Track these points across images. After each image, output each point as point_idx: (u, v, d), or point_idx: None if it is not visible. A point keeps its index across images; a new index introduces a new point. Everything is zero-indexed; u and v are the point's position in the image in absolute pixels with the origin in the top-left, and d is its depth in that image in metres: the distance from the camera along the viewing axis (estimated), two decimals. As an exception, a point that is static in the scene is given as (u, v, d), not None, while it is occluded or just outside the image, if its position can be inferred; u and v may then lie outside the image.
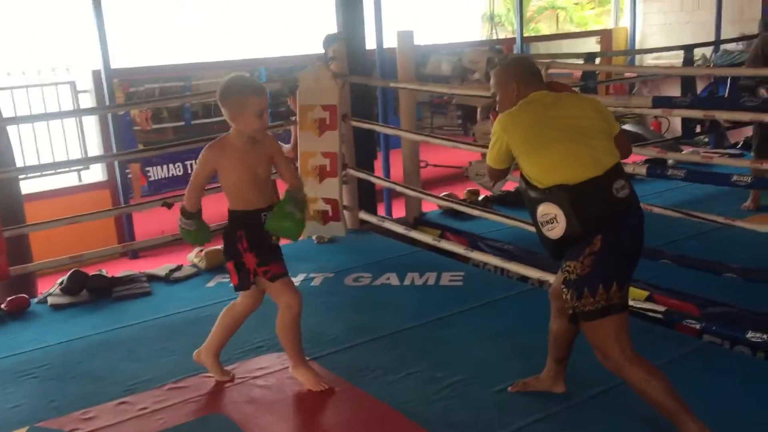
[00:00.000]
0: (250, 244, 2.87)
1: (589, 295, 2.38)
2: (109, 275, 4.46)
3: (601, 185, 2.39)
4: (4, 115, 4.88)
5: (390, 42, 6.54)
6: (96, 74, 6.62)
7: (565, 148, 2.46)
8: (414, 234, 4.86)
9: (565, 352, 2.82)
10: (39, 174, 6.64)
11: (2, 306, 4.10)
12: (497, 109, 2.73)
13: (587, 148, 2.44)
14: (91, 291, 4.26)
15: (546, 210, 2.42)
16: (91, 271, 4.46)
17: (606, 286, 2.37)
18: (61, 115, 6.61)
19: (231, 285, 3.01)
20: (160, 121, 10.12)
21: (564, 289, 2.49)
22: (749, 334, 2.70)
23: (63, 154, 6.74)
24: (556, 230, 2.41)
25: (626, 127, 9.94)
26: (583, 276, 2.40)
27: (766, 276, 3.36)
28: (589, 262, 2.38)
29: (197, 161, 2.90)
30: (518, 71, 2.68)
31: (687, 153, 6.38)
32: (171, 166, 8.31)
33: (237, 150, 2.83)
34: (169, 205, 4.34)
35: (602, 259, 2.38)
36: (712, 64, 8.60)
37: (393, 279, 4.36)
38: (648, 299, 3.76)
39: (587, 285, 2.39)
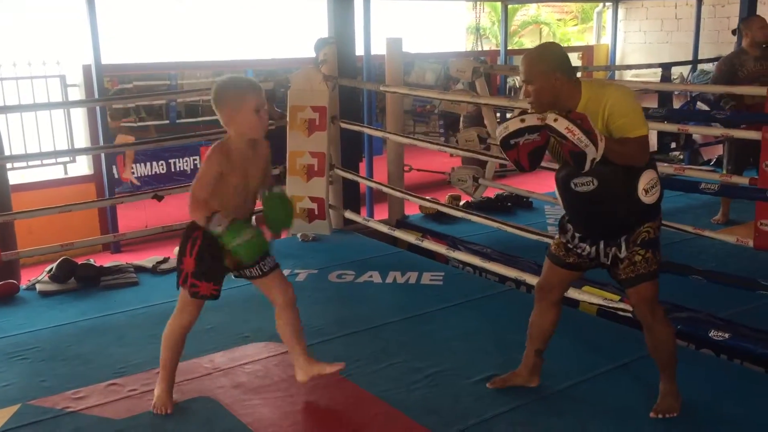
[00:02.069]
0: (199, 251, 2.70)
1: (659, 253, 2.63)
2: (98, 265, 4.54)
3: None
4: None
5: (376, 49, 6.71)
6: (86, 68, 6.71)
7: None
8: (398, 233, 4.99)
9: (546, 344, 2.98)
10: (25, 165, 6.70)
11: (-9, 291, 4.17)
12: (531, 103, 2.59)
13: None
14: (79, 279, 4.34)
15: (651, 176, 2.56)
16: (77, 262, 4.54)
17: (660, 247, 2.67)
18: (50, 105, 6.68)
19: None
20: (142, 120, 10.18)
21: (641, 251, 2.61)
22: (711, 333, 2.87)
23: (51, 146, 6.79)
24: (656, 194, 2.58)
25: (604, 141, 10.20)
26: (659, 236, 2.63)
27: (729, 280, 3.54)
28: (658, 224, 2.65)
29: (204, 162, 2.66)
30: (561, 60, 2.58)
31: (661, 166, 6.58)
32: (155, 163, 8.36)
33: (240, 154, 2.67)
34: (160, 198, 4.44)
35: (661, 221, 2.68)
36: (689, 83, 8.86)
37: (375, 277, 4.50)
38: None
39: (659, 244, 2.63)
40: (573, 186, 2.61)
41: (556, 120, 2.38)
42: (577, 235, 2.76)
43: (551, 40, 13.11)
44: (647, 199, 2.56)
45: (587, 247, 2.74)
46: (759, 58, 5.15)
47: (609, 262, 2.71)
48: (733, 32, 5.33)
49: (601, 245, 2.69)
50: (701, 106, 6.79)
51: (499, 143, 2.53)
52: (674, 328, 2.75)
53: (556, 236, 2.88)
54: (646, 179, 2.55)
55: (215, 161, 2.63)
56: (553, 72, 2.54)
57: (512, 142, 2.46)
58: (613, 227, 2.66)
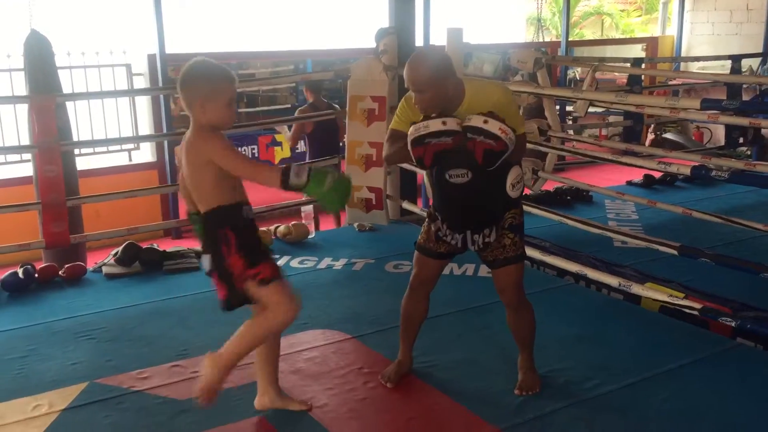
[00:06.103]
0: (238, 246, 2.41)
1: (523, 238, 2.88)
2: (161, 249, 4.66)
3: None
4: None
5: (436, 39, 6.67)
6: (151, 58, 6.87)
7: None
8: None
9: (417, 334, 3.09)
10: (92, 151, 6.92)
11: (60, 272, 4.31)
12: (424, 110, 2.59)
13: None
14: (143, 263, 4.46)
15: (518, 172, 2.72)
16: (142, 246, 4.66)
17: None
18: (116, 93, 6.86)
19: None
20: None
21: (510, 234, 2.80)
22: (783, 333, 2.77)
23: (116, 134, 6.99)
24: (521, 189, 2.77)
25: (668, 135, 9.94)
26: (522, 222, 2.85)
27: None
28: (521, 210, 2.88)
29: (231, 150, 2.38)
30: (449, 64, 2.61)
31: (730, 161, 6.36)
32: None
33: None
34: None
35: (522, 209, 2.90)
36: (759, 76, 8.55)
37: (432, 268, 4.47)
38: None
39: (523, 231, 2.89)
40: (448, 177, 2.69)
41: (486, 122, 2.50)
42: (445, 224, 2.83)
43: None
44: (513, 193, 2.72)
45: (456, 235, 2.81)
46: None
47: (477, 248, 2.82)
48: None
49: (468, 233, 2.79)
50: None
51: (411, 138, 2.58)
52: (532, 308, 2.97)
53: (424, 225, 2.94)
54: (513, 174, 2.69)
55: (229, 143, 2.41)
56: (445, 79, 2.59)
57: (426, 141, 2.54)
58: (483, 217, 2.78)
